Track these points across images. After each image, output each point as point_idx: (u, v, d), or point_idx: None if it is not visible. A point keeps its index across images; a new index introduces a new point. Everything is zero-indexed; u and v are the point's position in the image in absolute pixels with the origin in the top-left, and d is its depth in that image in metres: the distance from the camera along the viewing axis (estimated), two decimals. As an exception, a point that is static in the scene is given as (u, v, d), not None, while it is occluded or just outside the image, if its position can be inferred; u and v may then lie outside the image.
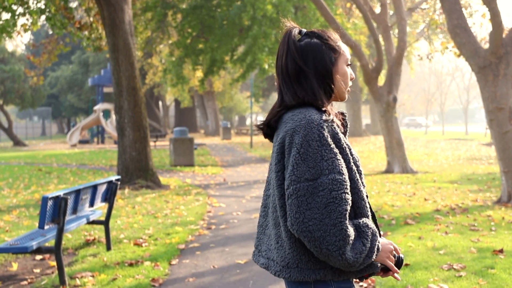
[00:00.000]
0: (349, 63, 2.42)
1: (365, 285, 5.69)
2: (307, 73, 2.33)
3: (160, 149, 31.30)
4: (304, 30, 2.47)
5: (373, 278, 5.83)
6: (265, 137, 2.44)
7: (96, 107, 37.61)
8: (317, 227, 2.11)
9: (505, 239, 7.69)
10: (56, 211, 5.71)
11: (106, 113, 38.33)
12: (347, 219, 2.14)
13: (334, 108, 2.43)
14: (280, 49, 2.43)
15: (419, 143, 37.00)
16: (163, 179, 16.01)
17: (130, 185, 13.79)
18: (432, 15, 21.39)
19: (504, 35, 11.11)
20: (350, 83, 2.42)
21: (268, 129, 2.40)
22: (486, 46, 13.07)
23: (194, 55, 24.57)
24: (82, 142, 40.07)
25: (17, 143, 43.13)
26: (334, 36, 2.43)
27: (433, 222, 9.09)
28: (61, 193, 5.73)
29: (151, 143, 34.17)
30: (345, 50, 2.41)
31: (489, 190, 13.20)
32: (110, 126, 36.41)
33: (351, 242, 2.15)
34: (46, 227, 5.58)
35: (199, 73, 30.78)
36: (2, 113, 45.54)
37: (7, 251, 5.74)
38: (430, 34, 26.62)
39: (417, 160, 24.28)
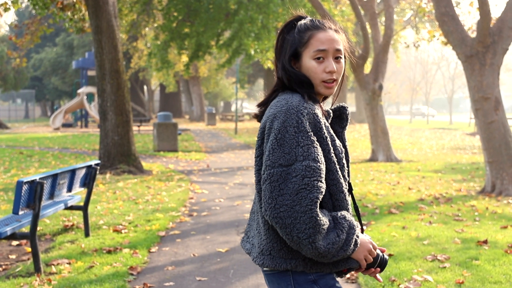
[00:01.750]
0: (319, 56, 2.29)
1: (348, 275, 5.58)
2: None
3: (144, 134, 31.05)
4: (303, 21, 2.37)
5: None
6: (258, 120, 2.39)
7: (80, 90, 37.19)
8: (288, 214, 2.06)
9: (489, 229, 7.63)
10: (31, 196, 5.54)
11: (90, 97, 37.94)
12: (317, 207, 2.08)
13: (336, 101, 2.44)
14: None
15: (403, 132, 37.03)
16: (146, 164, 15.83)
17: (112, 170, 13.60)
18: (420, 2, 21.26)
19: (491, 24, 11.02)
20: (326, 76, 2.30)
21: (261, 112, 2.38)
22: (473, 35, 12.99)
23: (180, 39, 24.29)
24: (66, 125, 39.68)
25: (-1, 125, 42.64)
26: (307, 25, 2.34)
27: (417, 211, 9.02)
28: (37, 177, 5.55)
29: (135, 128, 33.87)
30: (316, 41, 2.30)
31: (473, 180, 13.17)
32: (93, 109, 36.05)
33: (323, 231, 2.08)
34: (20, 212, 5.41)
35: (185, 58, 30.52)
36: (-16, 95, 44.99)
37: (-20, 237, 5.57)
38: (417, 22, 26.52)
39: (401, 148, 24.26)
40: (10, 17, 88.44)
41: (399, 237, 7.13)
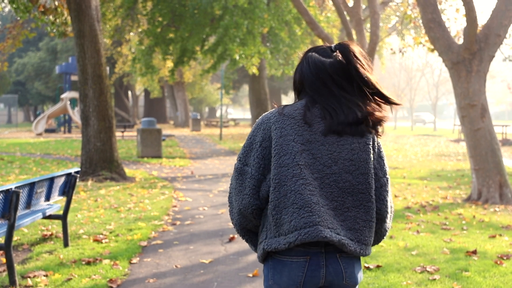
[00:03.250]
0: None
1: None
2: None
3: (128, 139, 30.75)
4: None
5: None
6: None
7: (63, 96, 36.81)
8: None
9: (477, 239, 7.50)
10: (6, 206, 5.31)
11: (74, 102, 37.56)
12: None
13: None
14: None
15: (388, 138, 37.01)
16: (129, 171, 15.58)
17: (93, 177, 13.35)
18: (406, 9, 21.22)
19: (478, 31, 10.94)
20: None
21: None
22: (460, 41, 12.92)
23: (164, 44, 24.09)
24: (49, 131, 39.24)
25: (-19, 130, 42.13)
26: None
27: (404, 220, 8.89)
28: (12, 186, 5.33)
29: (119, 134, 33.57)
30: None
31: (458, 187, 13.08)
32: (77, 115, 35.68)
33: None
34: (-5, 223, 5.19)
35: (169, 63, 30.30)
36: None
37: (-48, 249, 5.34)
38: (402, 29, 26.52)
39: (387, 155, 24.18)
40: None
41: (387, 247, 6.97)
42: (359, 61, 2.45)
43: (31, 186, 5.93)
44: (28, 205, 5.98)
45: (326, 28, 22.55)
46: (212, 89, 62.18)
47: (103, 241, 7.35)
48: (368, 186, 2.42)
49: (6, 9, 57.43)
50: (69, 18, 14.52)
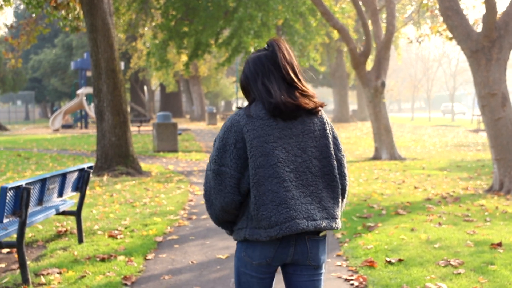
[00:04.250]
0: None
1: (356, 283, 5.24)
2: None
3: (144, 134, 30.72)
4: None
5: (365, 276, 5.38)
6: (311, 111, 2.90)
7: (79, 91, 36.86)
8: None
9: (502, 230, 7.28)
10: (17, 203, 5.20)
11: (90, 97, 37.56)
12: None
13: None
14: None
15: (406, 129, 36.67)
16: (145, 165, 15.49)
17: (109, 172, 13.26)
18: (422, -2, 20.88)
19: (497, 18, 10.67)
20: None
21: None
22: (479, 29, 12.63)
23: (178, 38, 23.92)
24: (65, 126, 39.34)
25: (-2, 127, 42.30)
26: None
27: (425, 212, 8.68)
28: (23, 182, 5.21)
29: (135, 128, 33.55)
30: None
31: (479, 178, 12.83)
32: (93, 110, 35.60)
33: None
34: (5, 220, 5.06)
35: (184, 57, 30.16)
36: (-17, 97, 44.65)
37: (-38, 247, 5.22)
38: (419, 18, 26.17)
39: (404, 146, 23.92)
40: (10, 19, 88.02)
41: (409, 240, 6.78)
42: (282, 52, 2.79)
43: (43, 182, 5.81)
44: (40, 201, 5.85)
45: (341, 19, 22.26)
46: (228, 82, 62.01)
47: (118, 237, 7.22)
48: (332, 167, 2.78)
49: (22, 6, 57.66)
50: (81, 12, 14.41)
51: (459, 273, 5.38)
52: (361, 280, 5.30)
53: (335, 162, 2.79)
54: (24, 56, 54.94)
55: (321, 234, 2.77)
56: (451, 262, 5.72)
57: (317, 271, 2.82)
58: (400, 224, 7.70)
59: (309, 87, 2.89)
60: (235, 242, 3.01)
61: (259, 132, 2.68)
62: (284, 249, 2.71)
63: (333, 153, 2.80)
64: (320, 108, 2.83)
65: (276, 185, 2.65)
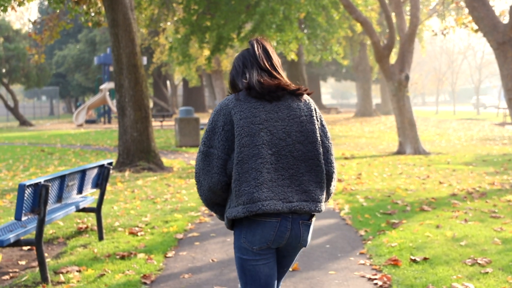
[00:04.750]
0: None
1: (380, 283, 5.11)
2: None
3: (166, 129, 30.76)
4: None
5: (389, 275, 5.24)
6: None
7: (102, 86, 37.05)
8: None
9: (530, 228, 7.08)
10: (36, 200, 5.14)
11: (113, 92, 37.72)
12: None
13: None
14: None
15: (430, 123, 36.27)
16: (166, 160, 15.45)
17: (131, 167, 13.23)
18: (447, -11, 20.58)
19: (526, 9, 10.43)
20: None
21: None
22: (505, 20, 12.34)
23: (200, 33, 23.85)
24: (89, 122, 39.57)
25: (23, 122, 42.69)
26: None
27: (450, 208, 8.49)
28: (41, 180, 5.15)
29: (158, 123, 33.61)
30: None
31: (506, 173, 12.58)
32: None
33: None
34: (24, 218, 5.00)
35: (206, 51, 30.11)
36: (8, 93, 45.03)
37: (-19, 245, 5.18)
38: (443, 10, 25.81)
39: (429, 140, 23.64)
40: (35, 14, 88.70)
41: (434, 237, 6.62)
42: (259, 47, 3.02)
43: (62, 179, 5.75)
44: (59, 198, 5.80)
45: (364, 11, 22.00)
46: (251, 77, 61.82)
47: (139, 233, 7.16)
48: (317, 152, 2.91)
49: (46, 2, 58.04)
50: (102, 7, 14.38)
51: (487, 272, 5.22)
52: (385, 279, 5.16)
53: (320, 148, 2.93)
54: (49, 52, 55.36)
55: (312, 219, 2.96)
56: (478, 261, 5.55)
57: (300, 250, 3.04)
58: (425, 221, 7.54)
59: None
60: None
61: (247, 113, 2.85)
62: (281, 233, 2.85)
63: (319, 139, 2.94)
64: (304, 92, 2.98)
65: (259, 165, 2.80)
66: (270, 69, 2.98)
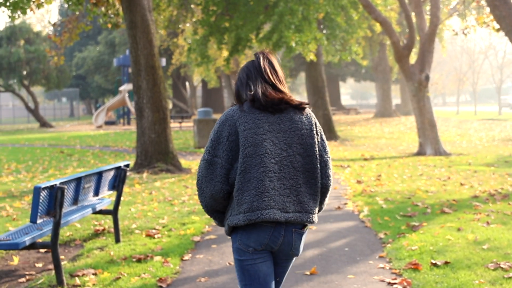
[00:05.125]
0: None
1: (400, 287, 5.00)
2: None
3: (185, 130, 30.79)
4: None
5: (409, 280, 5.13)
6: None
7: (121, 88, 37.18)
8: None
9: (555, 231, 6.92)
10: (51, 203, 5.10)
11: (132, 94, 37.85)
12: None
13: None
14: None
15: (451, 124, 35.94)
16: (185, 162, 15.42)
17: (149, 169, 13.21)
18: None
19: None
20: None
21: None
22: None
23: (219, 33, 23.79)
24: (108, 123, 39.74)
25: (44, 124, 42.97)
26: None
27: (472, 210, 8.35)
28: (57, 182, 5.11)
29: (177, 124, 33.65)
30: None
31: (529, 174, 12.37)
32: (135, 107, 35.97)
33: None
34: (39, 220, 4.98)
35: (225, 52, 30.06)
36: (29, 94, 45.37)
37: (-4, 248, 5.15)
38: (464, 9, 25.55)
39: (449, 141, 23.39)
40: (55, 17, 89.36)
41: (455, 240, 6.49)
42: (264, 60, 3.12)
43: (78, 181, 5.71)
44: (75, 201, 5.76)
45: (383, 11, 21.82)
46: (269, 77, 61.71)
47: (156, 236, 7.11)
48: (313, 166, 3.03)
49: (66, 5, 58.44)
50: (120, 9, 14.39)
51: (510, 277, 5.09)
52: (405, 284, 5.05)
53: (317, 162, 3.04)
54: (69, 54, 55.70)
55: (305, 229, 3.06)
56: (501, 265, 5.42)
57: (292, 260, 3.15)
58: (446, 224, 7.41)
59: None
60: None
61: (251, 124, 2.97)
62: (275, 238, 2.96)
63: (317, 153, 3.05)
64: (306, 107, 3.10)
65: (261, 174, 2.92)
66: (274, 82, 3.08)
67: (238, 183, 2.94)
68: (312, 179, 3.03)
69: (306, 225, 3.07)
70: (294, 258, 3.16)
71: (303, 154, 3.02)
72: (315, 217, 3.06)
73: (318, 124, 3.13)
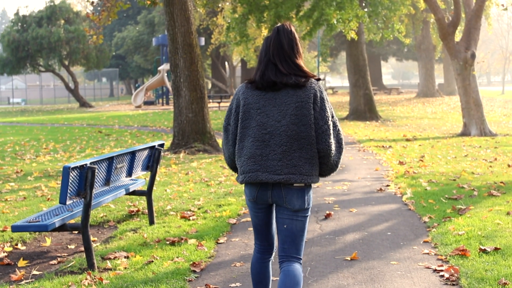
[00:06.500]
0: None
1: (447, 275, 4.69)
2: None
3: (224, 110, 30.62)
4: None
5: (456, 267, 4.81)
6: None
7: (160, 68, 37.13)
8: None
9: None
10: (82, 183, 4.91)
11: (169, 73, 37.86)
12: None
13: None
14: None
15: (496, 104, 35.02)
16: (223, 142, 15.21)
17: (186, 149, 13.04)
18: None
19: None
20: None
21: None
22: None
23: (258, 12, 23.39)
24: (147, 103, 39.81)
25: (83, 104, 43.33)
26: None
27: (523, 193, 7.94)
28: (87, 162, 4.91)
29: (215, 104, 33.50)
30: None
31: None
32: (174, 86, 35.89)
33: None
34: (69, 201, 4.79)
35: (264, 31, 29.68)
36: (69, 74, 45.73)
37: (25, 230, 4.98)
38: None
39: (495, 121, 22.72)
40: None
41: (505, 225, 6.13)
42: (277, 36, 3.47)
43: (110, 161, 5.52)
44: (107, 181, 5.57)
45: (428, -13, 21.14)
46: (309, 57, 61.14)
47: (191, 218, 6.91)
48: (308, 134, 3.37)
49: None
50: (158, -14, 14.17)
51: None
52: (452, 271, 4.74)
53: (313, 131, 3.37)
54: (108, 34, 55.94)
55: (295, 185, 3.38)
56: (557, 253, 5.07)
57: (297, 214, 3.45)
58: (494, 207, 7.04)
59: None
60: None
61: (249, 100, 3.46)
62: (264, 192, 3.43)
63: (312, 123, 3.37)
64: (305, 83, 3.40)
65: (251, 143, 3.41)
66: (277, 61, 3.43)
67: (236, 150, 3.51)
68: (308, 145, 3.37)
69: (303, 184, 3.41)
70: (305, 214, 3.48)
71: (298, 124, 3.36)
72: (310, 178, 3.40)
73: (321, 95, 3.44)
